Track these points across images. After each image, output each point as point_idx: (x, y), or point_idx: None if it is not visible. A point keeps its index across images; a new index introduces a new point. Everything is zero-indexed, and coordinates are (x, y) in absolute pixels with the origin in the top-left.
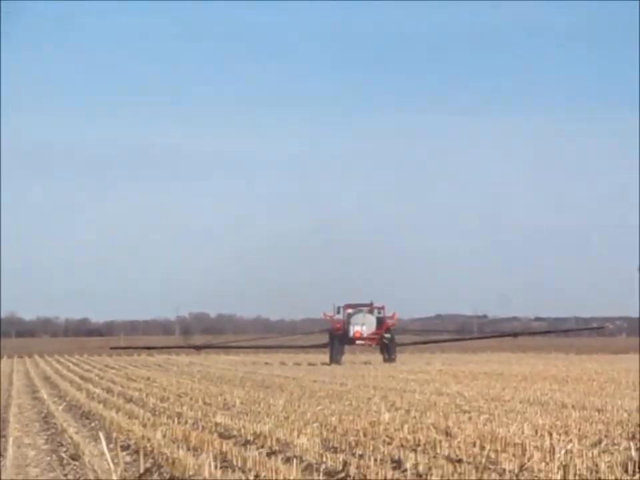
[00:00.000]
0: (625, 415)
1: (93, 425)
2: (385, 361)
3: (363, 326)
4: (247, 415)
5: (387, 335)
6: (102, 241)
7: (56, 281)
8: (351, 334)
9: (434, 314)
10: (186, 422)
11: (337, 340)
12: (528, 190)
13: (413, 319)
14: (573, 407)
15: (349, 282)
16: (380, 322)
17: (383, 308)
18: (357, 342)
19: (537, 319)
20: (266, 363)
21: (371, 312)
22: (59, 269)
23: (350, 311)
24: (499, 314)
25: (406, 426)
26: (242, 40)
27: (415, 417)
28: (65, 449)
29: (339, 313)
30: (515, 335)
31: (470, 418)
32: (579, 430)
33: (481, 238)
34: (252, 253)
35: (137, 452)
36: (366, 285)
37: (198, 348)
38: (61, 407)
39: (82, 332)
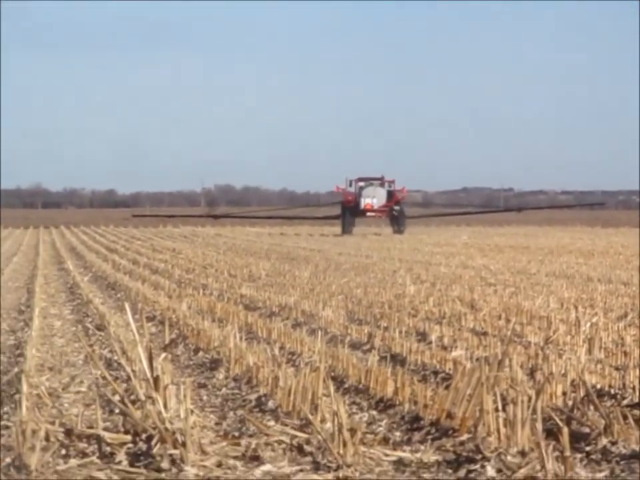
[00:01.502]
0: None
1: (118, 295)
2: (395, 232)
3: (374, 198)
4: (272, 286)
5: (397, 208)
6: (126, 113)
7: (82, 152)
8: (362, 206)
9: (461, 187)
10: (211, 293)
11: (349, 212)
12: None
13: (440, 192)
14: (598, 280)
15: (375, 154)
16: (390, 195)
17: (393, 182)
18: (368, 214)
19: (564, 192)
20: (281, 234)
21: (381, 185)
22: (84, 141)
23: (361, 184)
24: (526, 187)
25: (431, 299)
26: None
27: (440, 290)
28: (90, 320)
29: (350, 186)
30: (519, 209)
31: (495, 291)
32: (605, 303)
33: (507, 112)
34: (280, 125)
35: (162, 323)
36: (390, 158)
37: (215, 217)
38: (86, 278)
39: (108, 203)
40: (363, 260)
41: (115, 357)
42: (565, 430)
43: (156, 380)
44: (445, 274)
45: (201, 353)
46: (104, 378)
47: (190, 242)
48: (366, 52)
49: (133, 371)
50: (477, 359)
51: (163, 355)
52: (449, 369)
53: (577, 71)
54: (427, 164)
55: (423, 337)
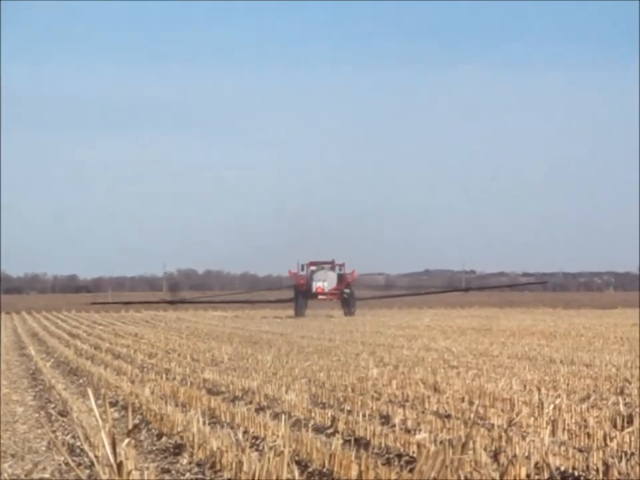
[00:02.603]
0: (613, 369)
1: (81, 381)
2: (345, 314)
3: (325, 282)
4: (235, 370)
5: (347, 290)
6: (89, 198)
7: (44, 238)
8: (314, 289)
9: (423, 269)
10: (174, 378)
11: (301, 295)
12: (521, 146)
13: (402, 275)
14: (561, 362)
15: (334, 240)
16: (340, 278)
17: (343, 265)
18: (319, 297)
19: (525, 274)
20: (236, 316)
21: (332, 269)
22: (46, 226)
23: (313, 268)
24: (486, 269)
25: (394, 381)
26: None
27: (403, 373)
28: (53, 405)
29: (303, 269)
30: (466, 289)
31: (458, 373)
32: (568, 385)
33: (472, 197)
34: (241, 216)
35: (125, 408)
36: (352, 241)
37: (171, 302)
38: (49, 364)
39: (70, 288)
40: (325, 343)
41: (78, 443)
42: None
43: (119, 465)
44: (408, 356)
45: (164, 438)
46: (67, 464)
47: (152, 326)
48: (318, 127)
49: (96, 457)
50: (441, 442)
51: (127, 440)
52: (413, 452)
53: (534, 155)
54: (389, 247)
55: (386, 420)
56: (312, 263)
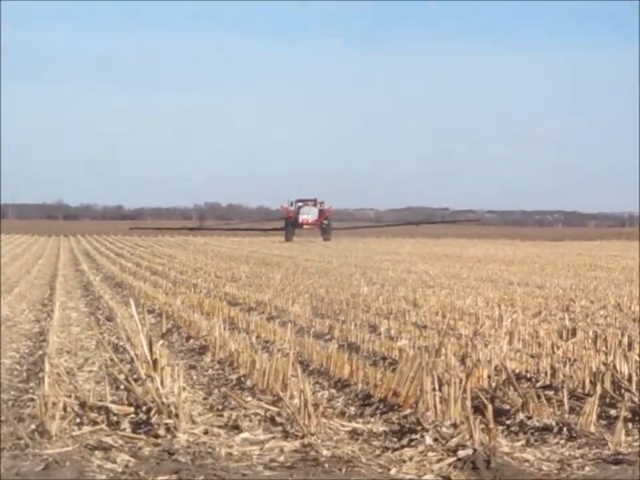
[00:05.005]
0: (561, 291)
1: (124, 292)
2: (324, 239)
3: (309, 215)
4: (250, 286)
5: (325, 222)
6: (133, 138)
7: (95, 175)
8: (300, 221)
9: (406, 206)
10: (200, 291)
11: (290, 225)
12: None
13: (389, 209)
14: (518, 284)
15: (337, 176)
16: (321, 212)
17: (323, 202)
18: (304, 226)
19: (489, 212)
20: (239, 241)
21: (314, 205)
22: (97, 166)
23: (300, 204)
24: (459, 207)
25: (381, 298)
26: None
27: (388, 291)
28: (101, 312)
29: (292, 205)
30: (417, 223)
31: (433, 292)
32: (523, 303)
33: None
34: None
35: (160, 315)
36: (350, 180)
37: (191, 229)
38: (98, 278)
39: (117, 216)
40: (325, 265)
41: (121, 343)
42: (490, 407)
43: (154, 362)
44: (392, 277)
45: (191, 340)
46: (112, 360)
47: (183, 249)
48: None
49: (136, 355)
50: (418, 348)
51: (161, 341)
52: (395, 356)
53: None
54: (381, 186)
55: (373, 329)
56: (299, 200)
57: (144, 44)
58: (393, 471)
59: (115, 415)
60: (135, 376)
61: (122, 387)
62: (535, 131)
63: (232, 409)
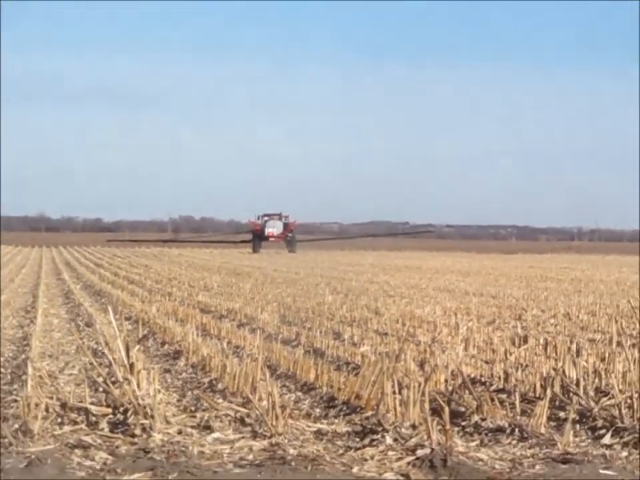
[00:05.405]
0: (514, 300)
1: (103, 300)
2: (289, 251)
3: (274, 228)
4: (222, 295)
5: (290, 235)
6: (115, 158)
7: (75, 188)
8: (266, 234)
9: (369, 220)
10: (175, 300)
11: (257, 237)
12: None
13: (353, 224)
14: (473, 294)
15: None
16: (285, 226)
17: (287, 216)
18: (270, 239)
19: (448, 226)
20: (211, 252)
21: (280, 219)
22: (77, 179)
23: (266, 218)
24: (419, 221)
25: (344, 306)
26: None
27: (351, 300)
28: (81, 318)
29: (258, 219)
30: (374, 235)
31: (394, 301)
32: (478, 312)
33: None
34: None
35: (137, 322)
36: (312, 196)
37: (166, 241)
38: (78, 286)
39: (96, 229)
40: (292, 275)
41: (100, 348)
42: (446, 409)
43: (131, 366)
44: (356, 287)
45: (166, 346)
46: (91, 364)
47: (159, 260)
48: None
49: (114, 359)
50: (380, 353)
51: (137, 346)
52: (358, 361)
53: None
54: (343, 199)
55: (338, 335)
56: (265, 215)
57: (128, 65)
58: (355, 469)
59: (94, 415)
60: (112, 379)
61: (101, 389)
62: (492, 148)
63: (204, 410)
